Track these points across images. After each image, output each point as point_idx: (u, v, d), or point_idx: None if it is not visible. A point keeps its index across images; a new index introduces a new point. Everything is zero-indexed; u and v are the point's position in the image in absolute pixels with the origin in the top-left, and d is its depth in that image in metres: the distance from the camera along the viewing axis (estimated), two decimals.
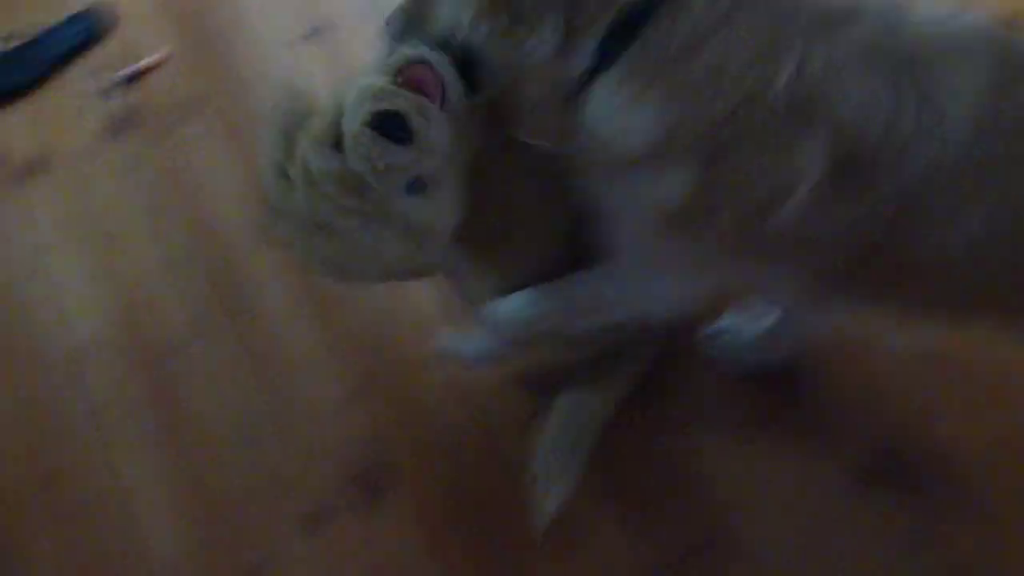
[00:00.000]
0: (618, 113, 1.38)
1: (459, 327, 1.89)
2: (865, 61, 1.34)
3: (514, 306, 1.67)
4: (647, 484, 1.89)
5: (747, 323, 1.95)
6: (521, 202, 1.61)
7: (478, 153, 1.51)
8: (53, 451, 2.01)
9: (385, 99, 1.40)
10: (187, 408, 2.03)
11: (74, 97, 2.49)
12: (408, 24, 1.48)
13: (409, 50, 1.43)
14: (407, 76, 1.42)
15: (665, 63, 1.35)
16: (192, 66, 2.50)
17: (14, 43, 2.54)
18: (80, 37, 2.55)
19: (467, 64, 1.43)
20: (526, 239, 1.64)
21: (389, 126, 1.39)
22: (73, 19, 2.57)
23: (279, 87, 1.55)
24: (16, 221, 2.30)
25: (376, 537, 1.88)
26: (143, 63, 2.52)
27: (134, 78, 2.50)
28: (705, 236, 1.44)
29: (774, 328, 1.92)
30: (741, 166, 1.37)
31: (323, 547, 1.88)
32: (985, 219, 1.37)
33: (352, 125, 1.40)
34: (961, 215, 1.36)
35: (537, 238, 1.65)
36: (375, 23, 1.51)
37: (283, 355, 2.07)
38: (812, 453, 1.90)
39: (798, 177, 1.35)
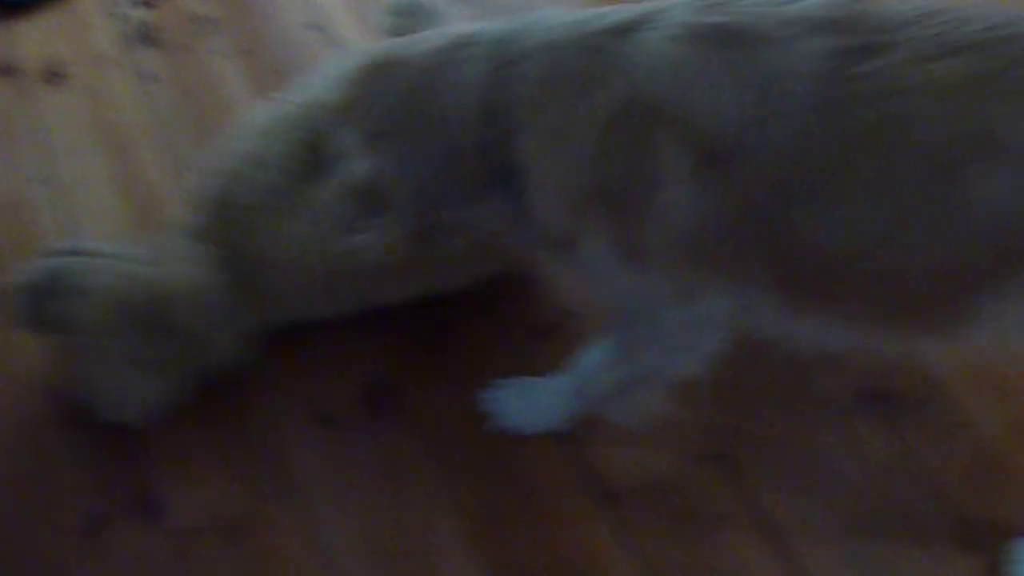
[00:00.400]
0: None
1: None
2: (697, 52, 1.33)
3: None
4: None
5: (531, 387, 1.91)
6: None
7: None
8: None
9: None
10: None
11: (92, 10, 2.53)
12: None
13: None
14: None
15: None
16: None
17: None
18: None
19: None
20: None
21: None
22: None
23: None
24: (31, 128, 2.33)
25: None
26: None
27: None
28: (647, 263, 1.46)
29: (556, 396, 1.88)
30: (617, 192, 1.40)
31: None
32: (855, 198, 1.34)
33: None
34: (829, 194, 1.34)
35: None
36: None
37: None
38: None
39: (665, 179, 1.35)
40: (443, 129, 1.46)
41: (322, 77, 1.89)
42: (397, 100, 1.49)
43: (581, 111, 1.37)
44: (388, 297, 1.93)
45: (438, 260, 1.86)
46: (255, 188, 1.82)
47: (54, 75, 2.40)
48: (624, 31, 1.37)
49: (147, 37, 2.47)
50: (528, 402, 1.88)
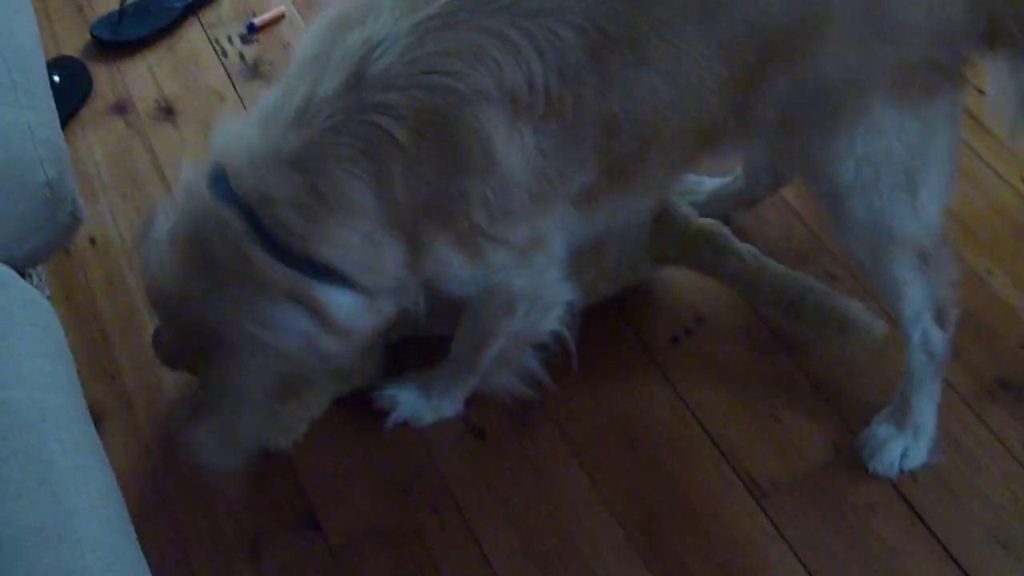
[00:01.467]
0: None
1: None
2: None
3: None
4: None
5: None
6: None
7: None
8: None
9: None
10: None
11: (198, 45, 2.59)
12: None
13: None
14: None
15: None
16: (307, 24, 2.58)
17: None
18: None
19: None
20: None
21: None
22: None
23: None
24: (146, 165, 2.38)
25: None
26: (259, 19, 2.62)
27: (252, 33, 2.60)
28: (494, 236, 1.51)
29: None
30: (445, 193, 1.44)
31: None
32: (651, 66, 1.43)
33: None
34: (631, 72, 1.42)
35: None
36: None
37: None
38: None
39: (495, 149, 1.40)
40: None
41: None
42: None
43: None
44: None
45: None
46: None
47: (166, 111, 2.46)
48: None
49: (254, 70, 2.52)
50: (422, 393, 1.93)
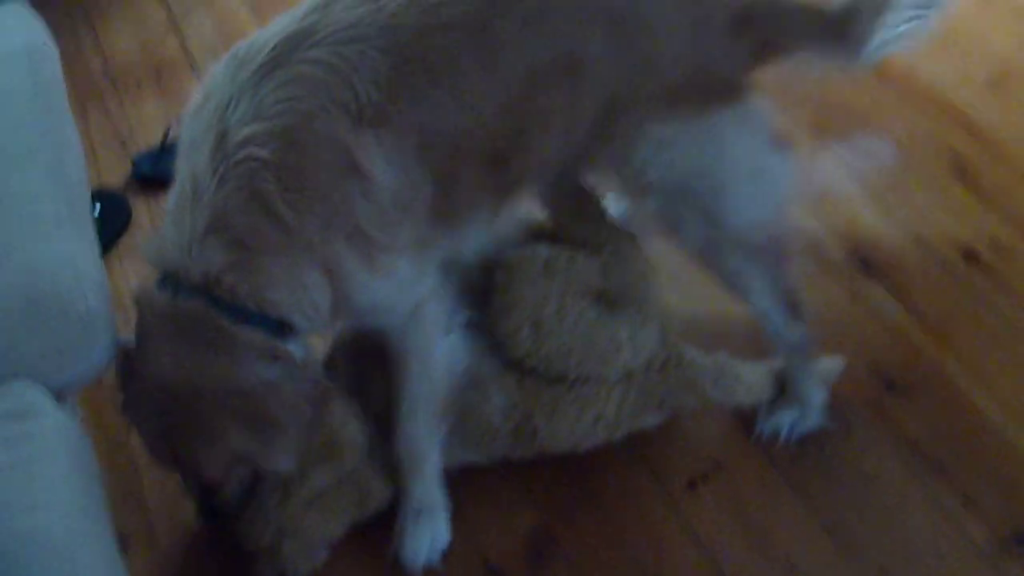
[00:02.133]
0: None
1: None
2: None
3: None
4: None
5: None
6: None
7: None
8: None
9: None
10: None
11: None
12: None
13: None
14: None
15: None
16: None
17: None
18: None
19: None
20: None
21: None
22: None
23: None
24: None
25: None
26: None
27: None
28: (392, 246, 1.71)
29: None
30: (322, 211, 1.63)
31: None
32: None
33: None
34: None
35: None
36: None
37: None
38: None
39: (345, 145, 1.61)
40: None
41: None
42: None
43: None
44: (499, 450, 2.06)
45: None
46: None
47: None
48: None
49: None
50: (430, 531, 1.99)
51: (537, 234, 2.10)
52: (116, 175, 2.71)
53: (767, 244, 1.90)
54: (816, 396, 2.08)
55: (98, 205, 2.54)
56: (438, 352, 1.90)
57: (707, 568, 1.94)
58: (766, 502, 2.02)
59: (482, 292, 2.02)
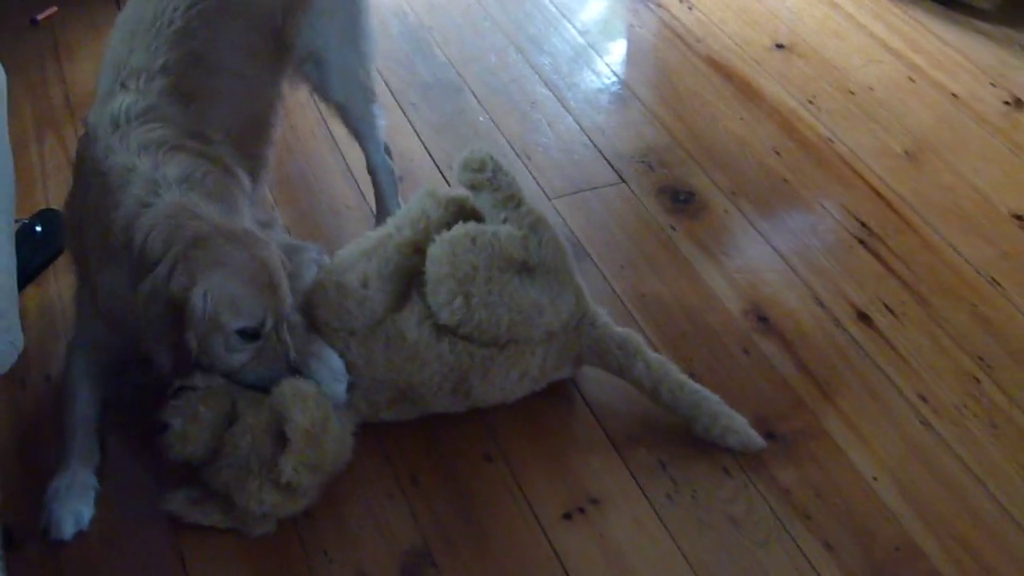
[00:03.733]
0: None
1: None
2: None
3: None
4: None
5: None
6: None
7: None
8: None
9: None
10: None
11: None
12: None
13: None
14: None
15: None
16: None
17: None
18: None
19: None
20: None
21: None
22: None
23: None
24: None
25: None
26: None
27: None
28: None
29: None
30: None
31: None
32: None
33: None
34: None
35: None
36: None
37: None
38: None
39: None
40: None
41: (401, 215, 2.36)
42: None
43: None
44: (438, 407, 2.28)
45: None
46: (355, 317, 2.20)
47: None
48: None
49: None
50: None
51: (463, 214, 2.33)
52: (63, 196, 2.82)
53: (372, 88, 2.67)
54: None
55: (39, 225, 2.67)
56: None
57: None
58: (636, 538, 2.11)
59: (417, 269, 2.24)
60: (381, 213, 2.72)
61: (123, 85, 2.21)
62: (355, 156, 2.87)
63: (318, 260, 2.39)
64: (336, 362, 2.18)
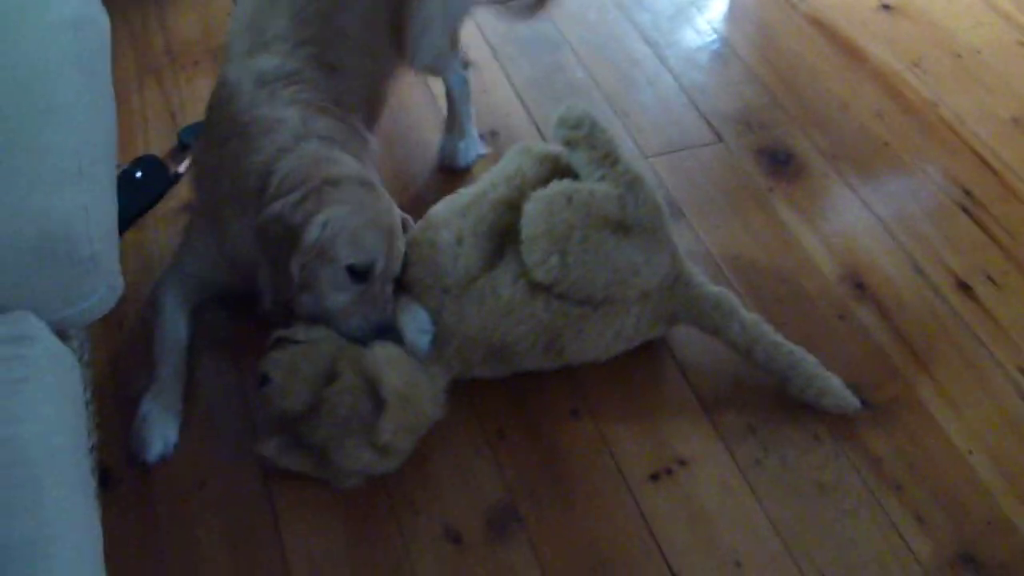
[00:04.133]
0: None
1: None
2: None
3: None
4: None
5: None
6: None
7: None
8: None
9: None
10: None
11: None
12: None
13: None
14: None
15: None
16: None
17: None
18: None
19: None
20: None
21: None
22: None
23: None
24: None
25: None
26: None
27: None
28: None
29: None
30: None
31: None
32: None
33: None
34: None
35: None
36: None
37: None
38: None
39: None
40: None
41: (496, 172, 2.35)
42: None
43: None
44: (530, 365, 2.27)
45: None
46: (449, 274, 2.21)
47: None
48: None
49: None
50: None
51: (558, 170, 2.33)
52: (163, 144, 2.88)
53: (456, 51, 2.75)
54: (473, 128, 2.84)
55: (139, 171, 2.70)
56: None
57: (655, 558, 2.03)
58: (723, 502, 2.11)
59: (512, 226, 2.23)
60: (452, 116, 2.84)
61: (266, 47, 2.32)
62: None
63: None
64: (422, 315, 2.20)
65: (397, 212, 2.22)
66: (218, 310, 2.43)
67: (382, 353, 2.08)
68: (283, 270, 2.09)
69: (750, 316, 2.27)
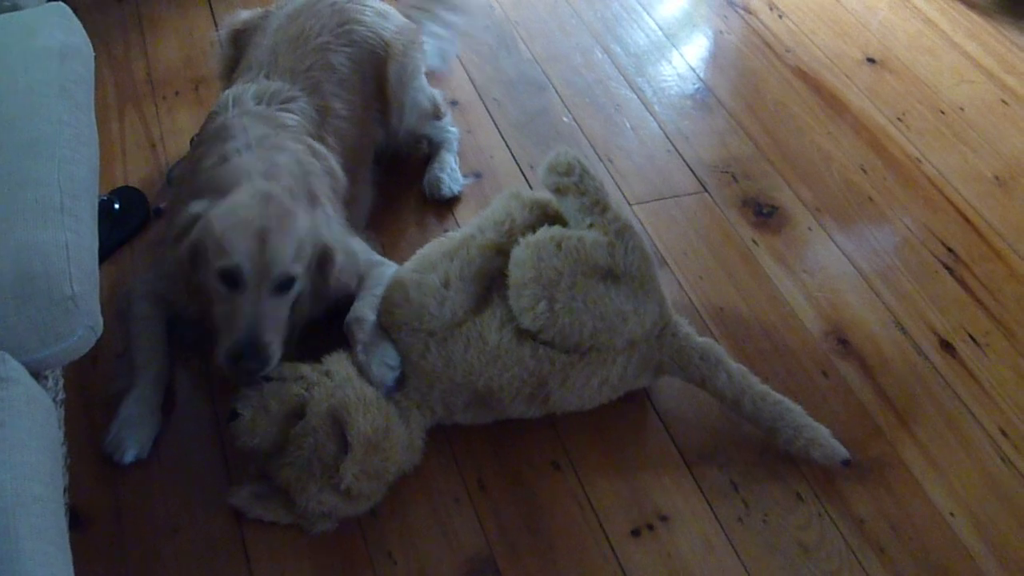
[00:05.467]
0: None
1: None
2: None
3: None
4: None
5: None
6: None
7: None
8: None
9: None
10: None
11: None
12: None
13: None
14: None
15: None
16: None
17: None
18: None
19: None
20: None
21: None
22: None
23: None
24: None
25: None
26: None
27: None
28: None
29: None
30: None
31: None
32: None
33: None
34: None
35: None
36: None
37: None
38: None
39: None
40: None
41: (485, 216, 2.33)
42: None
43: None
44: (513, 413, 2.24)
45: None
46: (435, 317, 2.17)
47: None
48: None
49: None
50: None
51: (547, 217, 2.31)
52: (142, 174, 2.84)
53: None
54: (456, 162, 2.90)
55: (118, 202, 2.66)
56: None
57: None
58: (705, 560, 2.08)
59: (499, 272, 2.22)
60: (435, 152, 2.94)
61: (268, 76, 2.51)
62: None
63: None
64: (390, 351, 2.18)
65: (293, 220, 2.16)
66: (192, 349, 2.40)
67: (353, 394, 2.05)
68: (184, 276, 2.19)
69: (736, 367, 2.25)
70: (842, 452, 2.20)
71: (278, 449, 2.07)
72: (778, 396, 2.23)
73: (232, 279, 2.09)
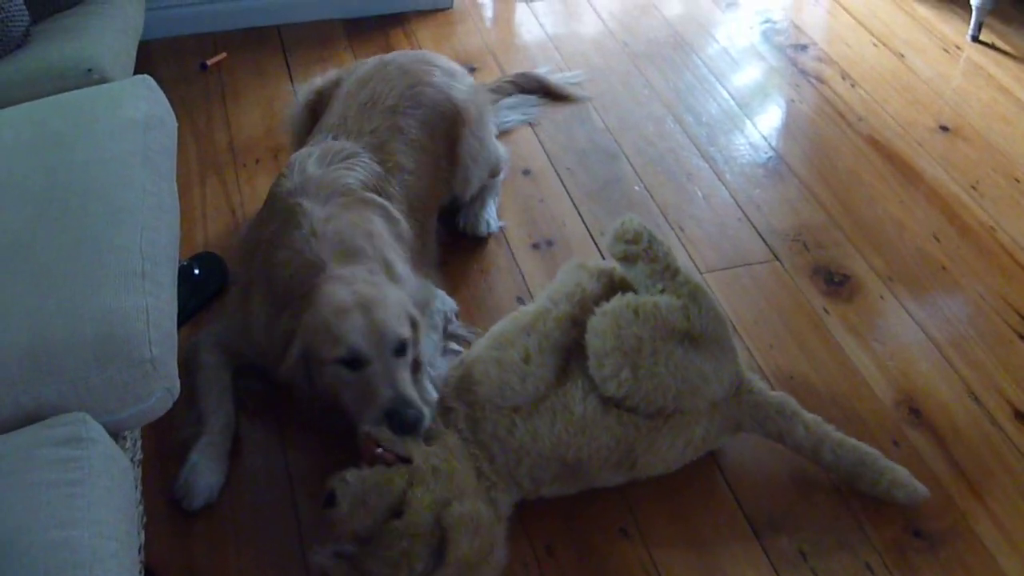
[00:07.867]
0: None
1: None
2: None
3: None
4: None
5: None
6: None
7: None
8: None
9: None
10: None
11: None
12: None
13: None
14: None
15: None
16: None
17: None
18: None
19: None
20: None
21: None
22: None
23: None
24: None
25: None
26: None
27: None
28: None
29: None
30: None
31: None
32: None
33: None
34: None
35: None
36: None
37: None
38: None
39: None
40: None
41: (555, 289, 2.35)
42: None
43: None
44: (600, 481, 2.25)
45: None
46: (518, 393, 2.18)
47: None
48: None
49: None
50: None
51: (613, 285, 2.34)
52: (223, 241, 2.91)
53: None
54: (494, 204, 3.03)
55: (197, 267, 2.73)
56: None
57: None
58: None
59: (576, 342, 2.24)
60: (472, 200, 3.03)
61: (335, 138, 2.64)
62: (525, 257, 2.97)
63: (441, 308, 2.57)
64: (431, 391, 2.29)
65: (384, 292, 2.26)
66: (260, 400, 2.47)
67: (462, 512, 2.01)
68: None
69: (812, 417, 2.27)
70: (924, 491, 2.23)
71: (369, 537, 2.02)
72: (856, 442, 2.25)
73: (354, 361, 2.16)
